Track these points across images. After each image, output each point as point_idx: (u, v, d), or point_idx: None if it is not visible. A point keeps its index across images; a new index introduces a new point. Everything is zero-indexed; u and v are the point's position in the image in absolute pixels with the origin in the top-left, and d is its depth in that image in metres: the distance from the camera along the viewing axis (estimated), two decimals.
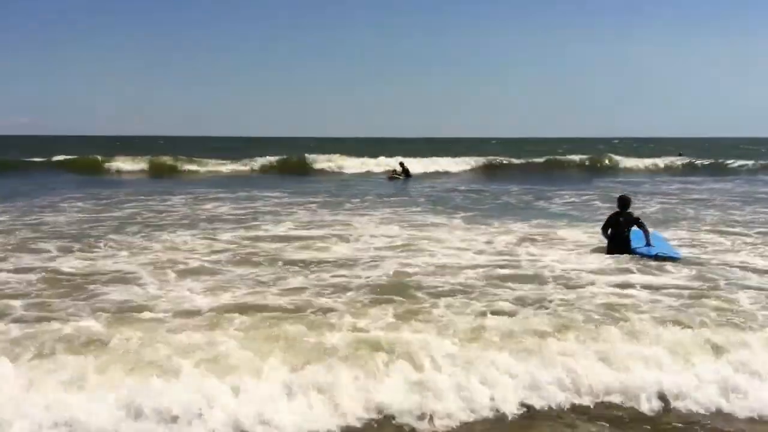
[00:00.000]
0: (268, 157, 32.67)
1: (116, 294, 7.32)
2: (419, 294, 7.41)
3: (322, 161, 32.52)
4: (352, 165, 32.42)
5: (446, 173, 31.56)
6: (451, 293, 7.41)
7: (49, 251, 9.78)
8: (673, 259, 9.07)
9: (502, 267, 8.80)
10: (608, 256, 9.41)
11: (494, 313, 6.54)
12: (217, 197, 18.57)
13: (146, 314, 6.53)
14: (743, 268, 8.75)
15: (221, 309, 6.71)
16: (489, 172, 32.63)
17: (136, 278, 8.09)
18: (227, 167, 31.62)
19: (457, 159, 34.49)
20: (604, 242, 10.10)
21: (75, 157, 31.83)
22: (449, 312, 6.64)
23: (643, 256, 9.22)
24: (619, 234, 9.66)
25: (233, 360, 5.13)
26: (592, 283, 7.90)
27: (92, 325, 6.08)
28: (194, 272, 8.48)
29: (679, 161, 36.86)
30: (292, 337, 5.62)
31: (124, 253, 9.72)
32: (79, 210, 14.97)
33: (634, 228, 9.74)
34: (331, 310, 6.74)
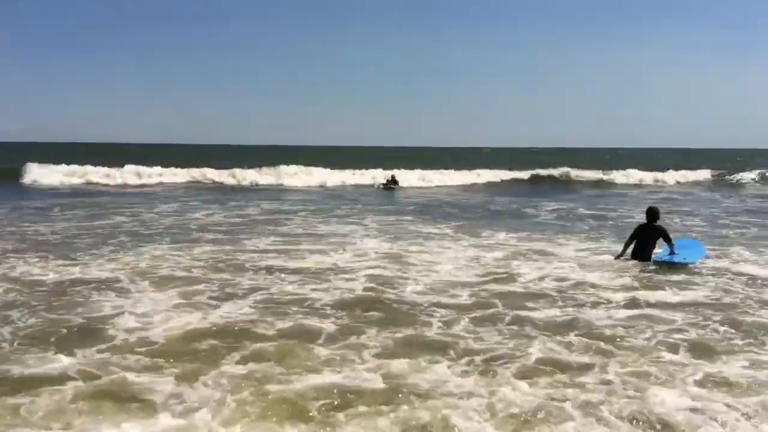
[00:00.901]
0: (265, 168, 31.18)
1: (78, 310, 6.66)
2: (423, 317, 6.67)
3: (304, 172, 31.00)
4: (340, 176, 30.72)
5: (438, 185, 30.77)
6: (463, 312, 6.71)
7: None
8: (684, 264, 8.97)
9: (504, 282, 8.18)
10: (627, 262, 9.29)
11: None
12: (204, 207, 18.08)
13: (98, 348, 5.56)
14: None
15: (190, 338, 5.88)
16: (479, 182, 32.09)
17: (103, 292, 7.43)
18: (215, 176, 30.02)
19: (446, 171, 33.47)
20: (602, 255, 9.89)
21: None
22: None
23: (657, 263, 9.10)
24: (643, 245, 9.37)
25: None
26: (609, 301, 7.24)
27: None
28: (170, 286, 7.78)
29: (667, 175, 35.61)
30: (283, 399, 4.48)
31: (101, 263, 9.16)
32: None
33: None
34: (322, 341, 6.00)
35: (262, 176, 30.20)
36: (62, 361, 5.18)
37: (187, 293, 7.48)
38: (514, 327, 6.30)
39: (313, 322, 6.40)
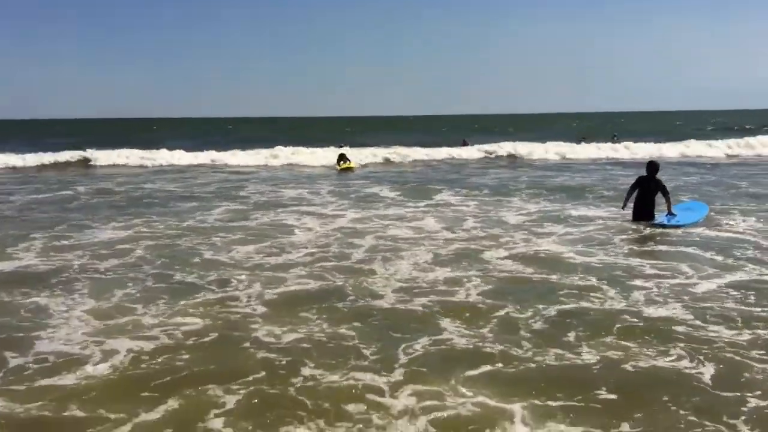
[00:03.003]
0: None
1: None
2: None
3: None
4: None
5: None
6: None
7: None
8: (683, 226, 8.66)
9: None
10: (632, 222, 9.02)
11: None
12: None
13: None
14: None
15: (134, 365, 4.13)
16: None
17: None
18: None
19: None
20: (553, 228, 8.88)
21: None
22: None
23: (664, 227, 8.72)
24: (644, 198, 9.14)
25: None
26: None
27: None
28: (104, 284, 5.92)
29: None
30: None
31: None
32: None
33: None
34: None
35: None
36: None
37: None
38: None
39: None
